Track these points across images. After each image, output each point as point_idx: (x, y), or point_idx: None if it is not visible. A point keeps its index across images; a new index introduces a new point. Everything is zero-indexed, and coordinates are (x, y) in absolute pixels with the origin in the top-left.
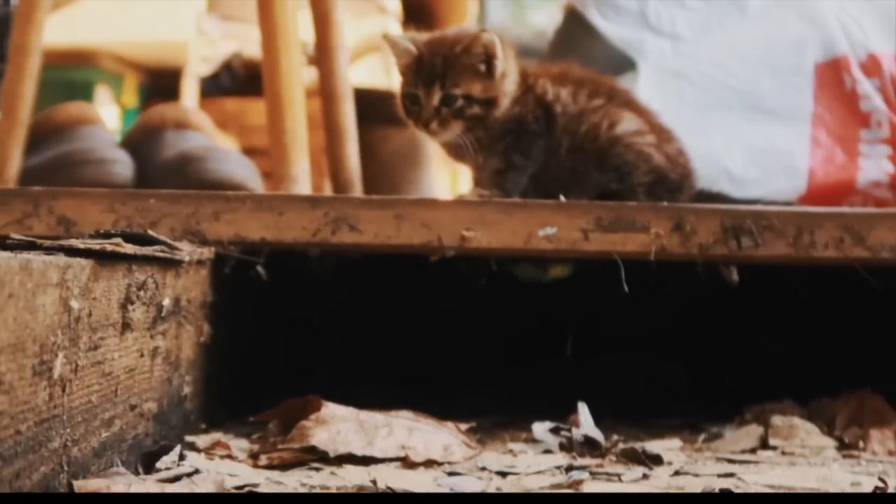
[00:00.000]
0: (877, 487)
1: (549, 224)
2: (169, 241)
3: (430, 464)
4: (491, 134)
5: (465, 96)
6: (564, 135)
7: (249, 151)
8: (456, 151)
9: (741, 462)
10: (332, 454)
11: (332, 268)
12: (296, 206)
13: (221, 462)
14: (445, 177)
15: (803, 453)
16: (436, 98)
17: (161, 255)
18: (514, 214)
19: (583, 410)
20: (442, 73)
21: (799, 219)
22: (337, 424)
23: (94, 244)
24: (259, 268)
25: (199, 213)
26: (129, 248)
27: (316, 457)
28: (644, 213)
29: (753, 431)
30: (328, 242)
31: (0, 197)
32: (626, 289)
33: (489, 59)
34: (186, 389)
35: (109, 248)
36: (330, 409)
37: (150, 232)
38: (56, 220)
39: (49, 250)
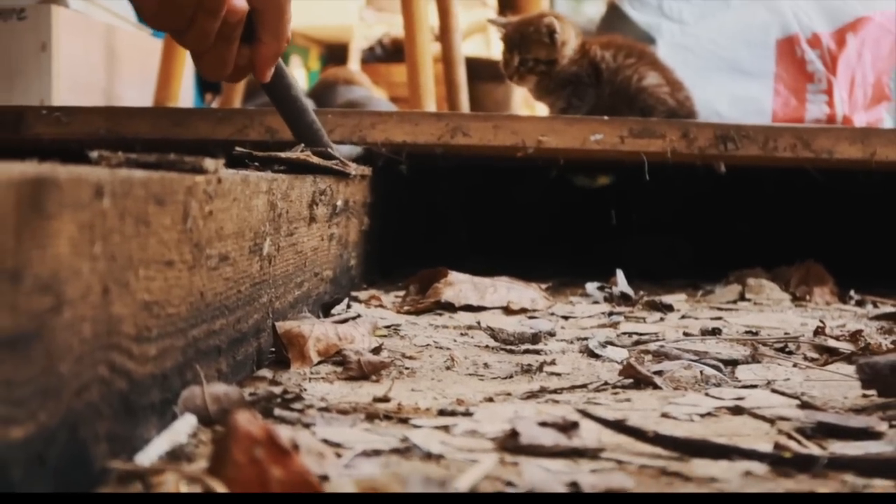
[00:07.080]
0: (818, 327)
1: (598, 132)
2: (343, 159)
3: (522, 311)
4: (557, 83)
5: (534, 59)
6: (607, 84)
7: (395, 100)
8: (537, 93)
9: (726, 309)
10: (456, 305)
11: (452, 165)
12: (426, 119)
13: (376, 310)
14: None
15: (768, 303)
16: (516, 61)
17: (336, 167)
18: (573, 125)
19: (619, 274)
20: (520, 44)
21: (766, 131)
22: (459, 285)
23: (293, 156)
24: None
25: (360, 124)
26: (315, 160)
27: (440, 308)
28: (661, 126)
29: (735, 289)
30: (448, 144)
31: (228, 114)
32: (648, 179)
33: (551, 33)
34: (352, 262)
35: (303, 156)
36: (454, 275)
37: (331, 150)
38: (265, 130)
39: (261, 164)
